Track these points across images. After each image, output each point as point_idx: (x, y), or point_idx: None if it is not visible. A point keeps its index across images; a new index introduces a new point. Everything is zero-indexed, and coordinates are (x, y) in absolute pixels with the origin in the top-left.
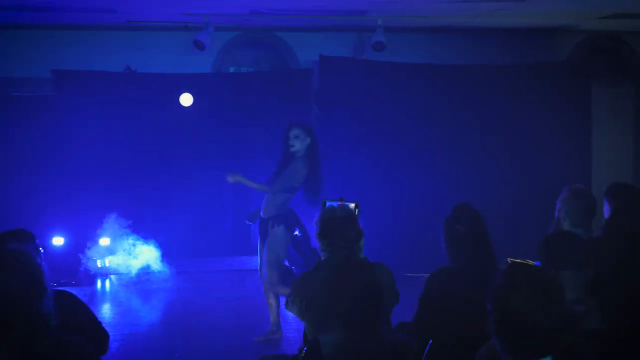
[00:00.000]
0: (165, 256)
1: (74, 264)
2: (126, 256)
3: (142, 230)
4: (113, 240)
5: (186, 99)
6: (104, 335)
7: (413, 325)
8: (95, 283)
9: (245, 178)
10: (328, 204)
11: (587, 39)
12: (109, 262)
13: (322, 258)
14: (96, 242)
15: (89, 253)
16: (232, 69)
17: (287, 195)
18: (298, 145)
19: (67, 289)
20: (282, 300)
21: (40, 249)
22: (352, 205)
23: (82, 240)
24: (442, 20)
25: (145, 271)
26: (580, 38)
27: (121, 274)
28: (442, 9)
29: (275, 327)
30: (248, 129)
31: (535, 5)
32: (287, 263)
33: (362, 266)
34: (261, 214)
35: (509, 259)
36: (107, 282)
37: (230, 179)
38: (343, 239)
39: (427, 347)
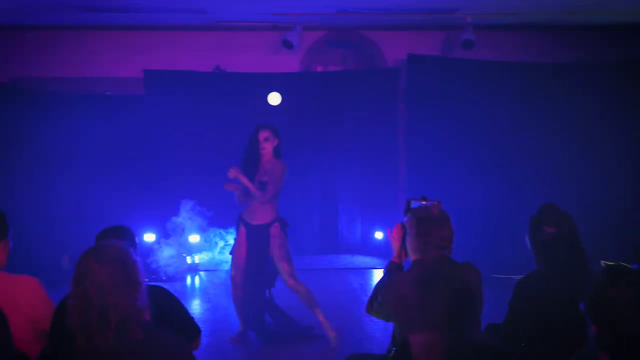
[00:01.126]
0: None
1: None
2: (215, 253)
3: (230, 227)
4: (202, 237)
5: (275, 98)
6: (196, 330)
7: (503, 328)
8: (185, 279)
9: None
10: (413, 203)
11: None
12: (198, 258)
13: (413, 259)
14: (186, 239)
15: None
16: (319, 68)
17: (277, 199)
18: (269, 147)
19: (160, 284)
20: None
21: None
22: (436, 204)
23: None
24: (533, 17)
25: None
26: None
27: (210, 270)
28: (540, 4)
29: (327, 325)
30: (335, 128)
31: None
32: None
33: (454, 266)
34: (251, 221)
35: (602, 262)
36: (197, 279)
37: (232, 173)
38: (440, 239)
39: (519, 352)
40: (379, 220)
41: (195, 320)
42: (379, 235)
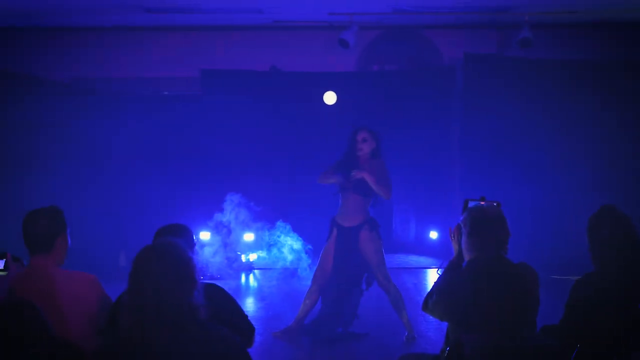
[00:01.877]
0: (311, 252)
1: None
2: (270, 251)
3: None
4: (257, 236)
5: (330, 98)
6: (251, 328)
7: (559, 329)
8: (240, 277)
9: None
10: (471, 203)
11: None
12: (253, 257)
13: (469, 258)
14: (241, 237)
15: (234, 248)
16: (375, 67)
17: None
18: (366, 148)
19: (215, 282)
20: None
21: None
22: (494, 205)
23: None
24: (591, 14)
25: (291, 266)
26: None
27: (265, 268)
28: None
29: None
30: (390, 127)
31: None
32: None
33: (510, 266)
34: (343, 223)
35: None
36: (252, 277)
37: (358, 174)
38: (495, 239)
39: (574, 354)
40: (433, 220)
41: (249, 318)
42: (433, 235)
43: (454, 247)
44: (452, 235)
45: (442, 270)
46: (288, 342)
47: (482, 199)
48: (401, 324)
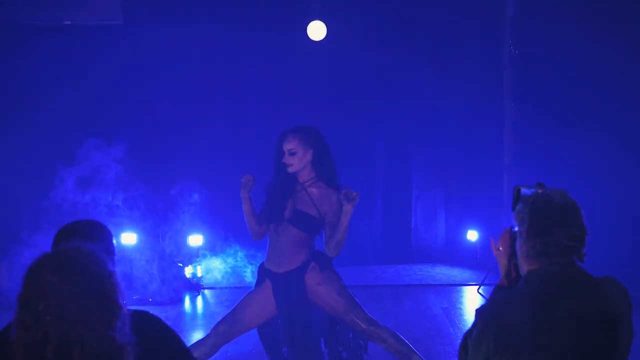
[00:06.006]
0: None
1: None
2: (227, 263)
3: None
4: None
5: (317, 30)
6: None
7: None
8: (183, 301)
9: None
10: (524, 191)
11: None
12: (201, 270)
13: (527, 269)
14: (184, 242)
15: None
16: None
17: None
18: (296, 163)
19: (147, 309)
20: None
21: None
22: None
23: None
24: None
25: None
26: None
27: (220, 288)
28: None
29: None
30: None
31: None
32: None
33: (589, 282)
34: (276, 269)
35: None
36: (199, 300)
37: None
38: (565, 237)
39: None
40: (472, 215)
41: None
42: (472, 235)
43: (501, 265)
44: (497, 248)
45: (486, 288)
46: None
47: (540, 186)
48: None
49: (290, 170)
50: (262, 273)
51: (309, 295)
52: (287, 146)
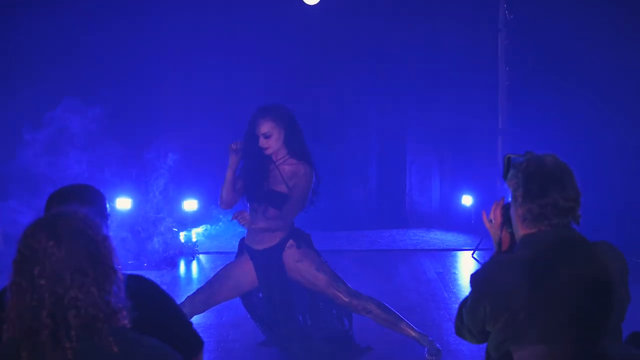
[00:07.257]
0: None
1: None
2: (221, 227)
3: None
4: (203, 204)
5: None
6: (196, 341)
7: None
8: (178, 266)
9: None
10: (515, 159)
11: None
12: (196, 234)
13: (522, 234)
14: (178, 206)
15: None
16: None
17: None
18: (272, 145)
19: (142, 273)
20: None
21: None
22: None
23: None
24: None
25: None
26: None
27: (215, 252)
28: None
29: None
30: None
31: None
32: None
33: (584, 246)
34: (255, 245)
35: None
36: (194, 265)
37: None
38: (561, 198)
39: None
40: (466, 179)
41: (195, 326)
42: (466, 200)
43: (494, 236)
44: (490, 219)
45: (480, 253)
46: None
47: (530, 154)
48: (412, 342)
49: (268, 152)
50: (242, 248)
51: (289, 272)
52: (262, 129)
